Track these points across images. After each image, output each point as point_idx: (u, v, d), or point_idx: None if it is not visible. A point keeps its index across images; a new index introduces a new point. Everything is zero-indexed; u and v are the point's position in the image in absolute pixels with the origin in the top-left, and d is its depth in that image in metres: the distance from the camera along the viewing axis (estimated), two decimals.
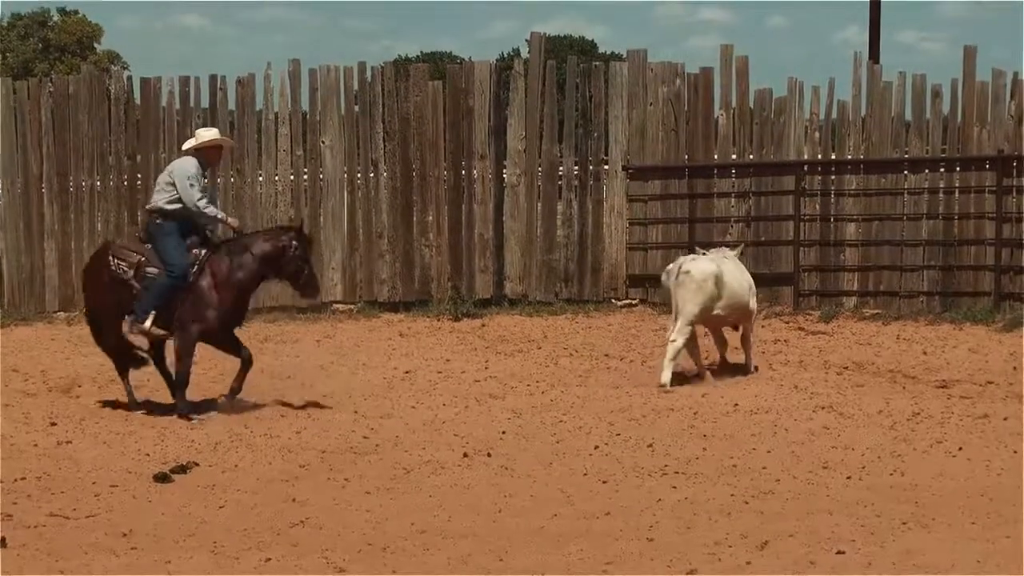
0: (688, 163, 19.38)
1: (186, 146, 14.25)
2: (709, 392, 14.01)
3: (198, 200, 13.63)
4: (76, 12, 71.44)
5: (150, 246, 13.68)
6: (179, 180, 13.66)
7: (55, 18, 71.23)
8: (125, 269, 13.58)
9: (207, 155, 14.07)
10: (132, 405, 13.73)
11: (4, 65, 61.66)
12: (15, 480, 10.72)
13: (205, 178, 14.00)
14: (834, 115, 18.96)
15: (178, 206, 13.63)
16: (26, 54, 67.42)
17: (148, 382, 14.24)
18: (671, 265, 15.08)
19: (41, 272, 20.00)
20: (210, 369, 14.70)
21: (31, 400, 13.99)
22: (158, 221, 13.71)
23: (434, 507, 9.94)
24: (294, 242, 13.79)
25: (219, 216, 13.92)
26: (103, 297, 13.79)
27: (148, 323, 13.43)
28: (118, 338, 13.71)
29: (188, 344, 13.47)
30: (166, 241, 13.62)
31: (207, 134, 14.32)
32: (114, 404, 13.77)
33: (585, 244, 19.60)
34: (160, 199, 13.75)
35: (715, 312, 14.70)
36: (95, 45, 70.92)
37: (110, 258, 13.71)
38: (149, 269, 13.51)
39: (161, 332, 13.53)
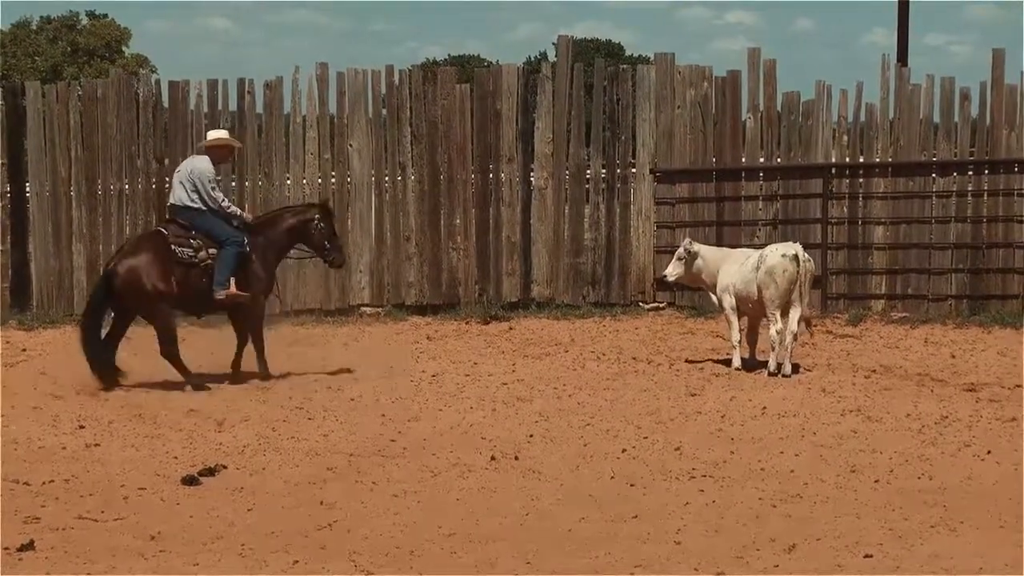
0: (716, 166, 19.41)
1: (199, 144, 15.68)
2: (737, 396, 14.01)
3: (222, 202, 15.07)
4: (105, 15, 71.69)
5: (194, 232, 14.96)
6: (201, 183, 14.96)
7: (84, 22, 71.50)
8: (192, 254, 14.82)
9: (216, 154, 15.30)
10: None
11: (33, 68, 61.90)
12: (43, 483, 10.76)
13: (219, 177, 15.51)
14: (862, 118, 18.99)
15: (203, 206, 14.94)
16: (55, 57, 67.70)
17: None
18: (769, 255, 15.06)
19: (69, 275, 20.05)
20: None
21: (59, 403, 14.01)
22: (196, 210, 14.96)
23: (461, 510, 9.96)
24: (317, 216, 15.47)
25: (240, 214, 15.34)
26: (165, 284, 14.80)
27: (231, 288, 14.86)
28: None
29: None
30: (213, 221, 14.97)
31: (214, 134, 15.65)
32: (142, 407, 13.80)
33: (612, 247, 19.63)
34: (186, 197, 15.00)
35: None
36: (123, 48, 71.16)
37: (173, 247, 14.86)
38: (211, 250, 14.87)
39: (244, 295, 14.94)
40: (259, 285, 15.16)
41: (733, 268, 15.37)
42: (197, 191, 14.88)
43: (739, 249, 16.26)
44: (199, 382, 14.68)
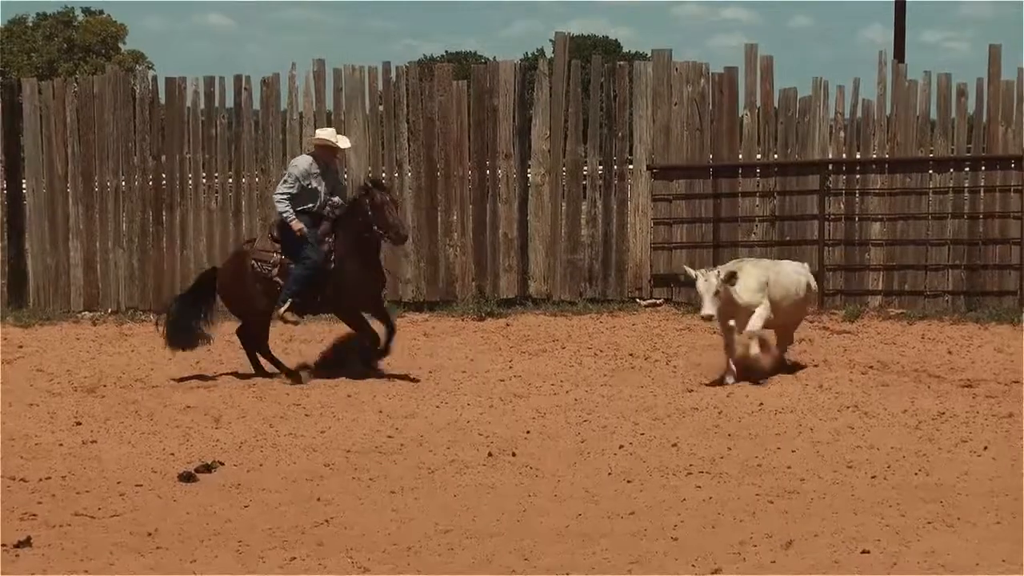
0: (713, 163, 19.42)
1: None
2: (734, 392, 14.04)
3: (275, 196, 15.06)
4: (101, 12, 71.70)
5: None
6: (281, 179, 15.39)
7: (80, 18, 71.51)
8: (268, 268, 14.97)
9: (322, 153, 15.24)
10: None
11: (29, 65, 61.94)
12: (40, 479, 10.80)
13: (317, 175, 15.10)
14: (859, 114, 19.04)
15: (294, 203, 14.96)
16: (51, 54, 67.72)
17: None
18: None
19: (66, 272, 20.14)
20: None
21: (56, 399, 14.05)
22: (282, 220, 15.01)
23: (459, 507, 10.00)
24: (366, 199, 14.86)
25: (286, 216, 14.89)
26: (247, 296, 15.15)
27: (282, 309, 14.79)
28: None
29: (353, 318, 15.15)
30: (288, 235, 14.91)
31: (321, 134, 15.64)
32: (139, 403, 13.83)
33: (609, 244, 19.64)
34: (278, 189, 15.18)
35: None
36: (119, 45, 71.20)
37: (251, 262, 15.11)
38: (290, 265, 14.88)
39: (292, 319, 14.99)
40: (347, 296, 14.96)
41: (754, 275, 14.61)
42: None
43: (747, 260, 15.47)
44: (297, 376, 14.79)
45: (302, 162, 15.13)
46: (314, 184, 14.93)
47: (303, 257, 14.74)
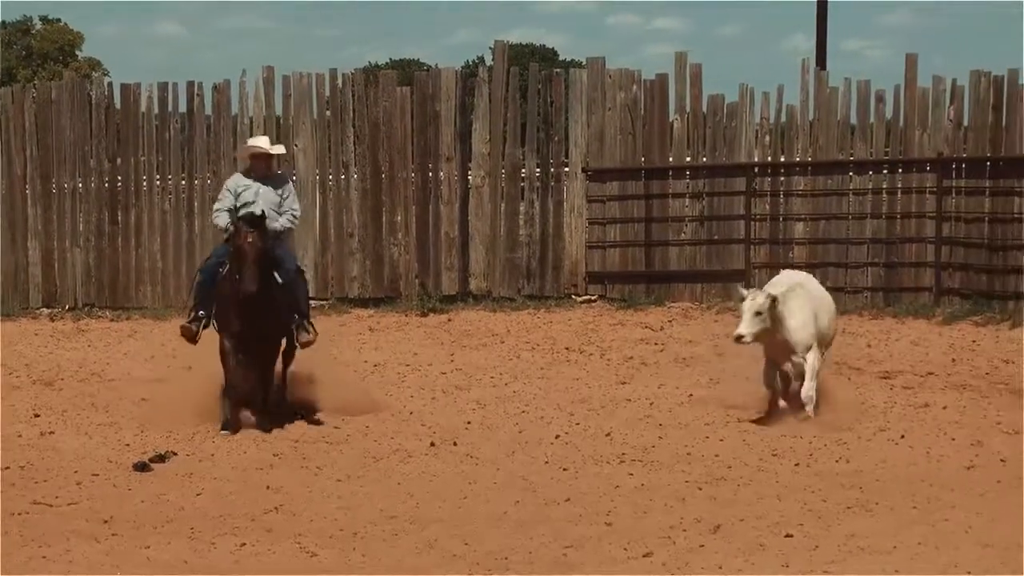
0: (644, 165, 19.72)
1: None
2: (665, 384, 14.36)
3: (213, 215, 13.54)
4: (58, 20, 71.31)
5: None
6: None
7: (38, 26, 71.09)
8: None
9: (254, 165, 13.61)
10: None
11: None
12: (0, 469, 10.96)
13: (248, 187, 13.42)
14: (783, 119, 19.34)
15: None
16: (9, 61, 67.15)
17: None
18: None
19: (25, 270, 20.42)
20: None
21: (15, 392, 14.27)
22: None
23: (403, 494, 10.26)
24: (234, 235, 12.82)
25: (219, 225, 13.34)
26: None
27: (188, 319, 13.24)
28: None
29: (221, 357, 12.81)
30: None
31: (249, 142, 14.69)
32: (95, 396, 14.08)
33: (546, 243, 19.93)
34: None
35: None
36: (76, 52, 70.74)
37: None
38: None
39: (189, 331, 13.07)
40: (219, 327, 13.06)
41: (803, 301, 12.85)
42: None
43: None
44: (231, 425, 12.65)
45: (232, 177, 13.76)
46: (248, 196, 13.19)
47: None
